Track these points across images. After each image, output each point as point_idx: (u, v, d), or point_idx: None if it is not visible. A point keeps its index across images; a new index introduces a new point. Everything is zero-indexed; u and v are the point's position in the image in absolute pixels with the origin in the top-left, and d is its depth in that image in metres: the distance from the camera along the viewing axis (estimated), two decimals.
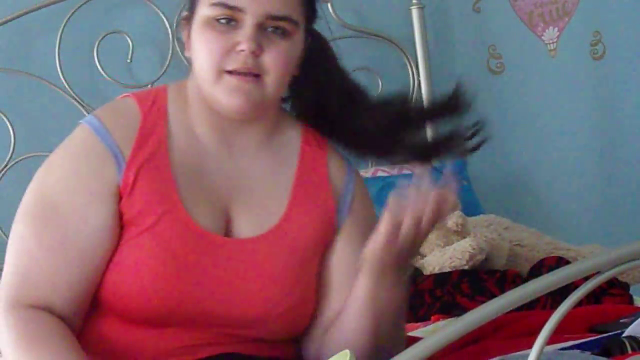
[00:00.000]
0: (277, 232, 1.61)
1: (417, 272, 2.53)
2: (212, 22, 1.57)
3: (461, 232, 2.67)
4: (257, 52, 1.55)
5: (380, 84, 3.42)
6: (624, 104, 3.62)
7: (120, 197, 1.57)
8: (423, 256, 2.67)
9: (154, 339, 1.57)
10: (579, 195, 3.62)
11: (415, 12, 3.45)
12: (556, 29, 3.59)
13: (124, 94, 1.69)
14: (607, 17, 3.59)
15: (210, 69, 1.56)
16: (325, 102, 1.69)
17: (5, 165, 3.02)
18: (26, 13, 3.07)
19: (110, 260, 1.56)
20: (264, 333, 1.60)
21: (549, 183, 3.62)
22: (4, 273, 1.59)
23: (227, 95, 1.56)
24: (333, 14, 3.34)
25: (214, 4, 1.56)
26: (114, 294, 1.56)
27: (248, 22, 1.55)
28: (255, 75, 1.56)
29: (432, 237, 2.67)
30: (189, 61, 1.64)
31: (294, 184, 1.65)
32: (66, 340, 1.52)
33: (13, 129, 3.02)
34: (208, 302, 1.56)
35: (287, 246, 1.59)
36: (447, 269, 2.53)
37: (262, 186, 1.64)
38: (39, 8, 3.08)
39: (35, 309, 1.53)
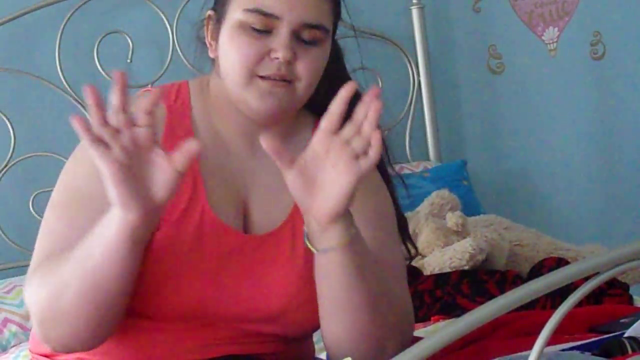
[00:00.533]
0: (288, 224, 1.62)
1: (417, 272, 2.53)
2: (246, 27, 1.56)
3: (461, 232, 2.67)
4: (291, 60, 1.55)
5: (380, 84, 3.41)
6: (624, 104, 3.62)
7: None
8: (423, 256, 2.67)
9: (172, 336, 1.57)
10: (579, 195, 3.62)
11: (415, 12, 3.45)
12: (556, 29, 3.59)
13: (144, 89, 1.69)
14: (607, 18, 3.60)
15: (243, 73, 1.56)
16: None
17: (6, 165, 3.02)
18: (26, 13, 3.06)
19: None
20: (284, 328, 1.61)
21: (549, 183, 3.63)
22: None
23: (258, 99, 1.56)
24: None
25: (250, 10, 1.55)
26: (135, 288, 1.54)
27: (283, 30, 1.55)
28: (286, 81, 1.56)
29: (432, 237, 2.67)
30: (215, 61, 1.64)
31: None
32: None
33: (13, 129, 3.02)
34: (229, 298, 1.57)
35: (299, 237, 1.59)
36: (447, 270, 2.53)
37: (277, 182, 1.62)
38: (39, 8, 3.08)
39: None
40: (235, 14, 1.57)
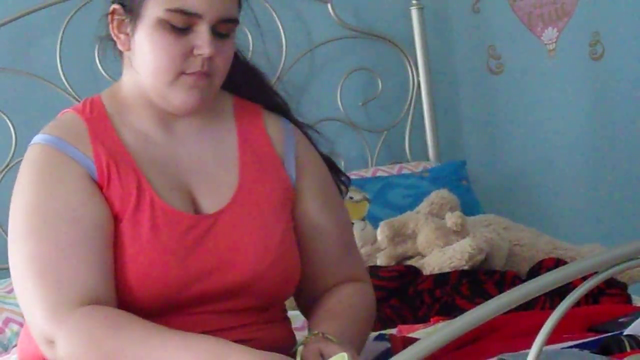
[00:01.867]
0: (237, 198, 1.68)
1: (417, 272, 2.53)
2: (166, 25, 1.61)
3: (461, 232, 2.68)
4: (213, 56, 1.61)
5: (379, 84, 3.42)
6: (623, 104, 3.62)
7: (101, 189, 1.62)
8: (423, 256, 2.67)
9: None
10: (578, 194, 3.62)
11: (414, 13, 3.46)
12: (555, 29, 3.60)
13: (65, 110, 1.76)
14: (606, 18, 3.59)
15: (170, 73, 1.62)
16: (233, 78, 1.75)
17: (7, 166, 3.03)
18: (28, 13, 3.07)
19: None
20: (260, 296, 1.67)
21: (548, 183, 3.63)
22: (26, 304, 1.58)
23: (183, 94, 1.63)
24: (333, 14, 3.35)
25: (173, 10, 1.60)
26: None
27: (204, 27, 1.61)
28: (207, 74, 1.63)
29: (432, 237, 2.67)
30: (126, 57, 1.69)
31: (238, 150, 1.72)
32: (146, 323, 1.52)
33: (14, 129, 3.02)
34: (195, 278, 1.62)
35: (251, 207, 1.67)
36: (447, 269, 2.54)
37: (212, 162, 1.71)
38: (41, 8, 3.09)
39: (87, 306, 1.54)
40: (154, 12, 1.61)
